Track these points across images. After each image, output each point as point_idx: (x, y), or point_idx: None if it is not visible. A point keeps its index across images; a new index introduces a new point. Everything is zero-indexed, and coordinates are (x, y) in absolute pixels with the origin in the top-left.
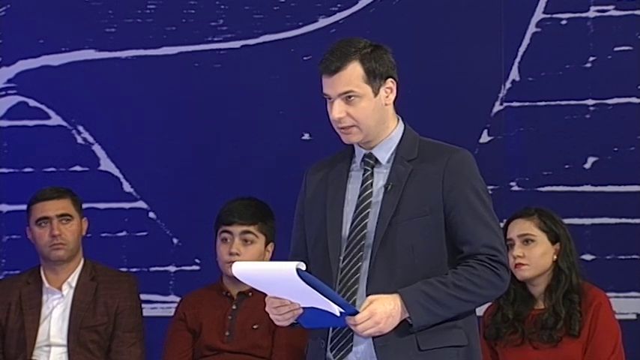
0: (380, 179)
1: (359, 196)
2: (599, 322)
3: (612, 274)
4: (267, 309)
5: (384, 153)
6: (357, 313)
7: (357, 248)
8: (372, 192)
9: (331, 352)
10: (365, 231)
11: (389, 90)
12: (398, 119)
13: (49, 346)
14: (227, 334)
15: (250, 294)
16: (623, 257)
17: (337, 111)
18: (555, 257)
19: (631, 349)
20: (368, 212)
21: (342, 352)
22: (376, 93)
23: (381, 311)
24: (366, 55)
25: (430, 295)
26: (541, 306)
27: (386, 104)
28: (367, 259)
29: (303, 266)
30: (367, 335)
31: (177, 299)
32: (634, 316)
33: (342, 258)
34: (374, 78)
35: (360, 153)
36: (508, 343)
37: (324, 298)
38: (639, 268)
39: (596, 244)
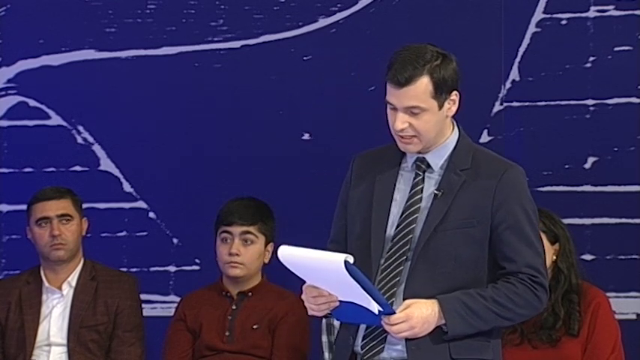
0: (430, 185)
1: (407, 200)
2: (599, 321)
3: (612, 274)
4: (303, 296)
5: (438, 159)
6: (394, 313)
7: (400, 252)
8: (421, 197)
9: (362, 348)
10: (410, 236)
11: (452, 102)
12: (454, 125)
13: (49, 345)
14: (227, 334)
15: (250, 294)
16: (623, 257)
17: (400, 122)
18: (554, 257)
19: (631, 349)
20: (415, 217)
21: (373, 351)
22: (441, 107)
23: (418, 315)
24: (435, 69)
25: (468, 306)
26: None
27: (447, 116)
28: (409, 262)
29: (351, 259)
30: (401, 337)
31: (177, 299)
32: (634, 316)
33: (384, 258)
34: (441, 92)
35: (412, 155)
36: (507, 342)
37: (366, 294)
38: (639, 268)
39: (596, 244)
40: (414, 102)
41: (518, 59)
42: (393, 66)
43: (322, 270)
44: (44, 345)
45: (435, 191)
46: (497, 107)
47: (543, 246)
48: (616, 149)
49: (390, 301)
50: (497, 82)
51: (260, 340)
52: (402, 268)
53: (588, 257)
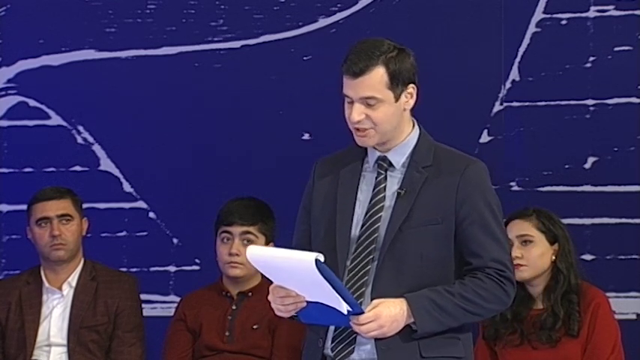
0: (393, 184)
1: (371, 199)
2: (598, 321)
3: (612, 274)
4: (269, 297)
5: (399, 157)
6: (362, 313)
7: (366, 251)
8: (384, 196)
9: (332, 351)
10: (375, 235)
11: (409, 95)
12: (413, 123)
13: (49, 345)
14: (227, 334)
15: (250, 294)
16: (623, 257)
17: (357, 113)
18: (554, 258)
19: (631, 349)
20: (380, 216)
21: (344, 353)
22: (397, 98)
23: (386, 314)
24: (391, 60)
25: (437, 303)
26: (540, 306)
27: (405, 109)
28: (375, 262)
29: (322, 257)
30: (370, 337)
31: (177, 299)
32: (634, 316)
33: (350, 259)
34: (397, 83)
35: (373, 154)
36: (507, 343)
37: (335, 294)
38: (639, 268)
39: (596, 244)
40: (369, 92)
41: (518, 59)
42: (349, 57)
43: (291, 269)
44: (44, 345)
45: (398, 190)
46: (497, 107)
47: (509, 240)
48: (616, 149)
49: (358, 302)
50: (497, 82)
51: (260, 340)
52: (369, 267)
53: (588, 257)
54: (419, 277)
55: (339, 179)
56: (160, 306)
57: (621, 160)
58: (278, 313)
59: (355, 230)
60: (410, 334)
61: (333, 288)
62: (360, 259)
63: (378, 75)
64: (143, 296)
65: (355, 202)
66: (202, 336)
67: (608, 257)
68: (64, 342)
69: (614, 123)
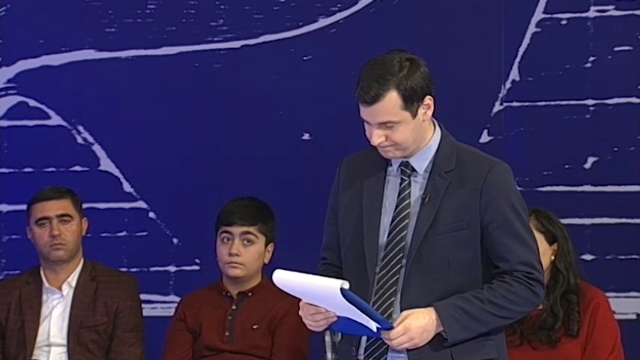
0: (417, 189)
1: (396, 206)
2: (598, 321)
3: (612, 274)
4: (300, 313)
5: (422, 162)
6: (392, 328)
7: (395, 260)
8: (409, 203)
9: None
10: (403, 243)
11: (426, 107)
12: (435, 126)
13: (49, 345)
14: (227, 334)
15: (250, 294)
16: (623, 257)
17: (376, 137)
18: (553, 258)
19: (631, 349)
20: (406, 223)
21: None
22: (414, 115)
23: (416, 326)
24: (402, 80)
25: (465, 310)
26: (539, 306)
27: (424, 120)
28: (403, 269)
29: (346, 285)
30: (402, 349)
31: (177, 299)
32: (634, 316)
33: (379, 267)
34: (411, 102)
35: (396, 159)
36: (507, 343)
37: (363, 315)
38: (639, 268)
39: (596, 244)
40: (385, 117)
41: (518, 59)
42: (360, 84)
43: (318, 294)
44: (44, 345)
45: (422, 196)
46: (497, 107)
47: (536, 240)
48: (616, 149)
49: (388, 312)
50: (497, 82)
51: (260, 340)
52: (397, 276)
53: (588, 257)
54: (446, 283)
55: (364, 184)
56: (160, 306)
57: (621, 160)
58: (310, 328)
59: (382, 238)
60: (441, 342)
61: (361, 311)
62: (388, 267)
63: (392, 100)
64: (143, 296)
65: (381, 209)
66: (202, 336)
67: (608, 257)
68: (64, 342)
69: (614, 123)
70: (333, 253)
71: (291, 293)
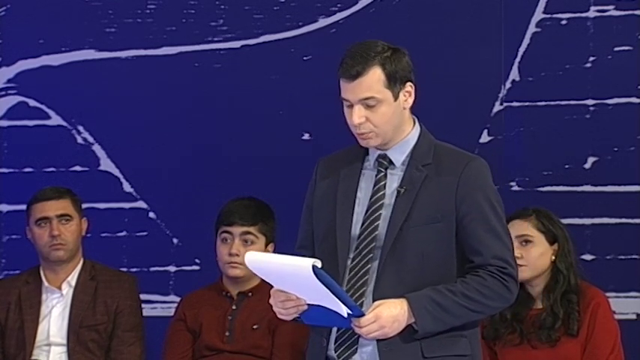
0: (393, 182)
1: (371, 197)
2: (598, 321)
3: (612, 274)
4: (271, 301)
5: (399, 155)
6: (363, 314)
7: (366, 250)
8: (384, 194)
9: (335, 352)
10: (376, 233)
11: (407, 94)
12: (414, 121)
13: (49, 345)
14: (227, 334)
15: (250, 294)
16: (623, 257)
17: (357, 116)
18: (553, 258)
19: (631, 349)
20: (379, 214)
21: (347, 353)
22: (396, 97)
23: (387, 315)
24: (386, 59)
25: (438, 302)
26: (539, 306)
27: (404, 108)
28: (376, 261)
29: (319, 264)
30: (371, 338)
31: (177, 299)
32: (634, 316)
33: (351, 258)
34: (394, 82)
35: (374, 152)
36: (507, 343)
37: (335, 298)
38: (639, 268)
39: (596, 244)
40: (368, 93)
41: (518, 59)
42: (344, 61)
43: (290, 275)
44: (44, 345)
45: (398, 188)
46: (497, 107)
47: (511, 237)
48: (616, 149)
49: (359, 302)
50: (497, 82)
51: (260, 340)
52: (369, 266)
53: (588, 257)
54: (420, 275)
55: (339, 178)
56: (160, 306)
57: (621, 160)
58: (280, 317)
59: (355, 229)
60: (411, 335)
61: (332, 293)
62: (360, 257)
63: (376, 75)
64: (143, 296)
65: (355, 201)
66: (202, 336)
67: (608, 257)
68: (64, 341)
69: (614, 123)
70: (307, 252)
71: (262, 277)
